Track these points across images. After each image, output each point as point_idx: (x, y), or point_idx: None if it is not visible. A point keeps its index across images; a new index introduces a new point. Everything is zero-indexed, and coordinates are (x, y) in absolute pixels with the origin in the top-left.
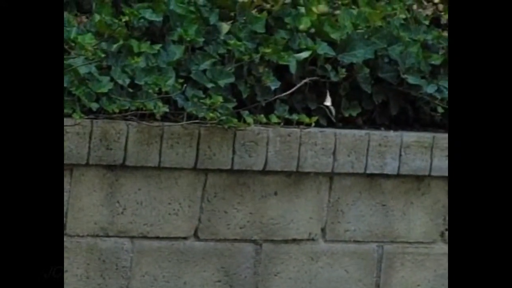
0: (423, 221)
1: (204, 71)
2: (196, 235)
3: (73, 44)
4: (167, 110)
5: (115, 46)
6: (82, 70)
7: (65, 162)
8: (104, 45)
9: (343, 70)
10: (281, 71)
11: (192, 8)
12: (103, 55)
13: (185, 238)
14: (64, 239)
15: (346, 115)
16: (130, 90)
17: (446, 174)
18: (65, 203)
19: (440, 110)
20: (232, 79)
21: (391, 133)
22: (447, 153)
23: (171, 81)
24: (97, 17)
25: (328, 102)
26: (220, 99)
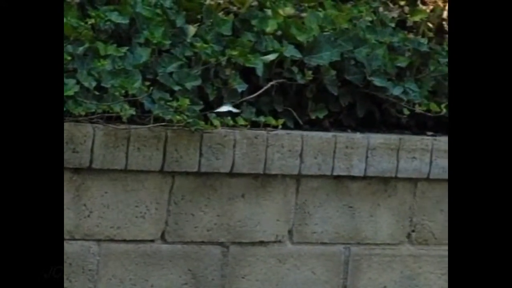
0: (390, 223)
1: (171, 73)
2: (163, 238)
3: None
4: (134, 113)
5: (81, 48)
6: None
7: None
8: (70, 48)
9: (310, 72)
10: (248, 74)
11: (158, 11)
12: (69, 58)
13: (152, 241)
14: None
15: (313, 117)
16: (97, 93)
17: (413, 176)
18: None
19: (406, 112)
20: (199, 82)
21: (358, 135)
22: (413, 155)
23: (137, 84)
24: None
25: (226, 107)
26: (187, 101)
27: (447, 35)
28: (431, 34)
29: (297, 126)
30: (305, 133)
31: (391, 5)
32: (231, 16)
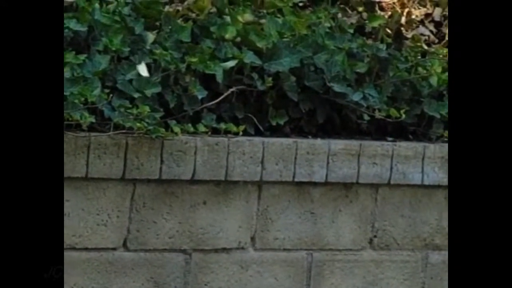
0: (352, 228)
1: (130, 81)
2: (125, 246)
3: None
4: (94, 120)
5: None
6: None
7: None
8: None
9: (270, 78)
10: (207, 80)
11: (117, 18)
12: None
13: (114, 249)
14: None
15: (274, 123)
16: None
17: (374, 181)
18: None
19: (366, 117)
20: (158, 89)
21: (319, 141)
22: (374, 160)
23: (97, 91)
24: None
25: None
26: (147, 109)
27: (406, 41)
28: (389, 40)
29: (258, 133)
30: (266, 139)
31: (349, 11)
32: (190, 23)
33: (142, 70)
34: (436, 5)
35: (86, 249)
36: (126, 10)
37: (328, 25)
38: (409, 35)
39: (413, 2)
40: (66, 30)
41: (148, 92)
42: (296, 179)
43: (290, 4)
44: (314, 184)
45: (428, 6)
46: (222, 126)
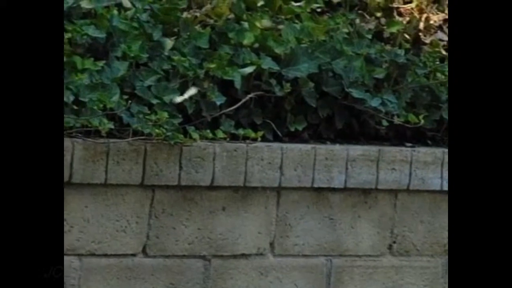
0: (371, 234)
1: (149, 87)
2: (144, 252)
3: None
4: (113, 126)
5: None
6: None
7: None
8: None
9: (288, 84)
10: (226, 86)
11: (135, 24)
12: None
13: (133, 255)
14: None
15: (292, 129)
16: (75, 107)
17: (393, 187)
18: None
19: (384, 123)
20: (177, 95)
21: (337, 146)
22: (393, 166)
23: (115, 98)
24: None
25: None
26: (166, 115)
27: (424, 46)
28: (407, 45)
29: (277, 139)
30: (284, 145)
31: (367, 16)
32: (208, 29)
33: (188, 93)
34: None
35: (106, 255)
36: (144, 17)
37: (346, 30)
38: (428, 41)
39: (431, 7)
40: (84, 37)
41: (167, 98)
42: (315, 185)
43: (308, 10)
44: (333, 190)
45: (446, 11)
46: (241, 132)
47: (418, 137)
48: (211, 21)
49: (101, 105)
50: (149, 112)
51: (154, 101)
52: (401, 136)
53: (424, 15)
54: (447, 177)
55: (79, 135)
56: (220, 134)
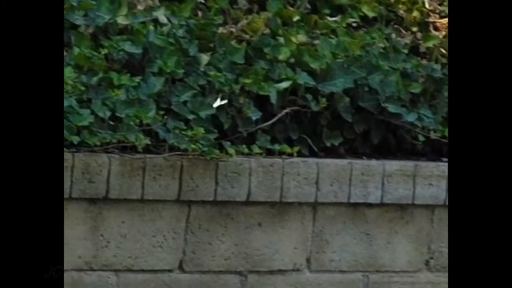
0: (408, 250)
1: (185, 102)
2: (181, 267)
3: None
4: (149, 142)
5: (95, 79)
6: None
7: None
8: (84, 78)
9: (324, 99)
10: (261, 102)
11: (171, 40)
12: (83, 88)
13: (170, 270)
14: None
15: (328, 144)
16: (111, 122)
17: (429, 202)
18: None
19: (421, 138)
20: (213, 110)
21: (373, 162)
22: (430, 182)
23: (152, 113)
24: (76, 50)
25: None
26: (202, 130)
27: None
28: (444, 60)
29: (313, 154)
30: (320, 160)
31: (403, 31)
32: (244, 44)
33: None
34: None
35: (142, 270)
36: (180, 32)
37: (382, 45)
38: None
39: None
40: (121, 53)
41: (203, 114)
42: (351, 200)
43: (344, 25)
44: (370, 205)
45: None
46: (277, 147)
47: None
48: (247, 37)
49: (138, 121)
50: (185, 127)
51: (190, 117)
52: (437, 151)
53: None
54: None
55: (116, 150)
56: (256, 149)
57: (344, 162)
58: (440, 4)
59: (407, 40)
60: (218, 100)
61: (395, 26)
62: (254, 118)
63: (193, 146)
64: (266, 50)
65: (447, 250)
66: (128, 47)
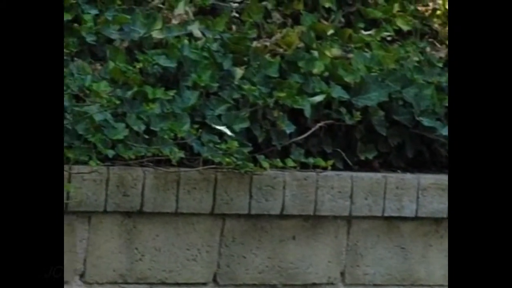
0: (443, 264)
1: (219, 116)
2: (215, 281)
3: (88, 92)
4: (183, 155)
5: (129, 92)
6: (98, 118)
7: (82, 209)
8: (119, 92)
9: (358, 113)
10: (295, 115)
11: (205, 54)
12: (118, 102)
13: (204, 284)
14: (84, 287)
15: (362, 158)
16: (146, 136)
17: None
18: (83, 250)
19: None
20: (247, 124)
21: (408, 175)
22: None
23: (186, 127)
24: (111, 64)
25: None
26: (236, 144)
27: None
28: None
29: (347, 167)
30: (354, 174)
31: (438, 45)
32: (278, 58)
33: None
34: None
35: (177, 284)
36: (214, 46)
37: (417, 59)
38: None
39: None
40: (155, 67)
41: (237, 127)
42: (385, 214)
43: (378, 39)
44: (404, 219)
45: None
46: (311, 160)
47: None
48: (281, 50)
49: (172, 134)
50: (219, 141)
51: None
52: None
53: None
54: None
55: (150, 164)
56: (290, 162)
57: (378, 175)
58: None
59: (442, 54)
60: (224, 127)
61: (430, 39)
62: (288, 131)
63: (227, 159)
64: (300, 63)
65: None
66: (162, 61)
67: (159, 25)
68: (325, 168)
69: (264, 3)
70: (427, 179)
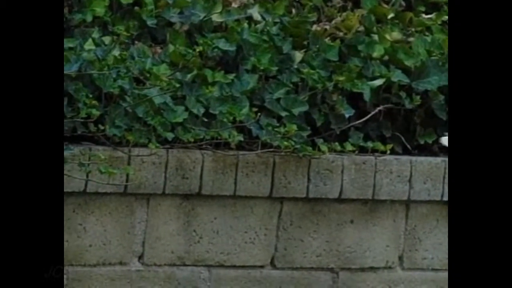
0: None
1: (278, 99)
2: (272, 264)
3: (148, 75)
4: (242, 139)
5: (189, 76)
6: (157, 100)
7: (141, 191)
8: (178, 75)
9: (418, 97)
10: (355, 99)
11: (265, 37)
12: (177, 85)
13: (261, 266)
14: (142, 269)
15: (421, 142)
16: (205, 119)
17: None
18: (142, 232)
19: None
20: (306, 108)
21: None
22: None
23: (245, 110)
24: (171, 48)
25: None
26: (294, 127)
27: None
28: None
29: (406, 151)
30: (414, 158)
31: None
32: (338, 41)
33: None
34: None
35: (234, 266)
36: (274, 30)
37: None
38: None
39: None
40: (215, 50)
41: (296, 111)
42: (444, 199)
43: (439, 22)
44: None
45: None
46: (370, 144)
47: None
48: (341, 34)
49: (231, 118)
50: (278, 124)
51: (283, 114)
52: None
53: None
54: None
55: (209, 147)
56: (348, 146)
57: (437, 160)
58: None
59: None
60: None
61: None
62: (347, 115)
63: (285, 143)
64: (360, 47)
65: None
66: (222, 44)
67: (219, 8)
68: (383, 152)
69: None
70: None
